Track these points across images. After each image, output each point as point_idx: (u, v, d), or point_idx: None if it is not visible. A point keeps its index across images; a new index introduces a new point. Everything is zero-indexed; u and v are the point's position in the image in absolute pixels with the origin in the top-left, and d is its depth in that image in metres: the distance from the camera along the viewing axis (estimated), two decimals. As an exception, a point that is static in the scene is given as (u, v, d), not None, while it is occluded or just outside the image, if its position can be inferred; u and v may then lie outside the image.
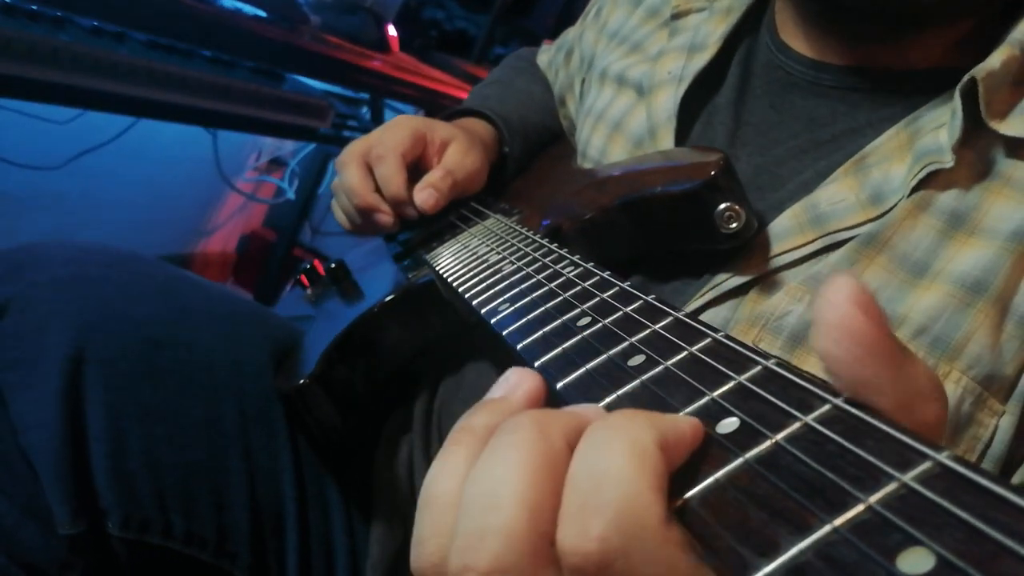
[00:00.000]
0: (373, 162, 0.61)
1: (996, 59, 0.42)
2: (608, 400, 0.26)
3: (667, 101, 0.56)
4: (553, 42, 0.86)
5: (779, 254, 0.46)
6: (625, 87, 0.61)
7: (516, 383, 0.26)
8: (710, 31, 0.57)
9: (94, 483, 0.47)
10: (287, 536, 0.55)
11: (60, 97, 0.95)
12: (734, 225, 0.45)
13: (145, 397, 0.50)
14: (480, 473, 0.21)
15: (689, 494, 0.20)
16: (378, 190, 0.61)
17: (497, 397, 0.26)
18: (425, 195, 0.59)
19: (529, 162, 0.73)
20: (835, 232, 0.45)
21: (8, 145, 1.33)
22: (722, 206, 0.44)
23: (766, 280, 0.46)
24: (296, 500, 0.55)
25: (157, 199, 1.67)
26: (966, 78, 0.42)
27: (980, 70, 0.42)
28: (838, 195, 0.45)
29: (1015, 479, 0.42)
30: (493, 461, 0.21)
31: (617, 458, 0.19)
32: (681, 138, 0.55)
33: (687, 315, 0.29)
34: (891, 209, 0.43)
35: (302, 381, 0.52)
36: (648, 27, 0.64)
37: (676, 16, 0.61)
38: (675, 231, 0.48)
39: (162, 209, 1.71)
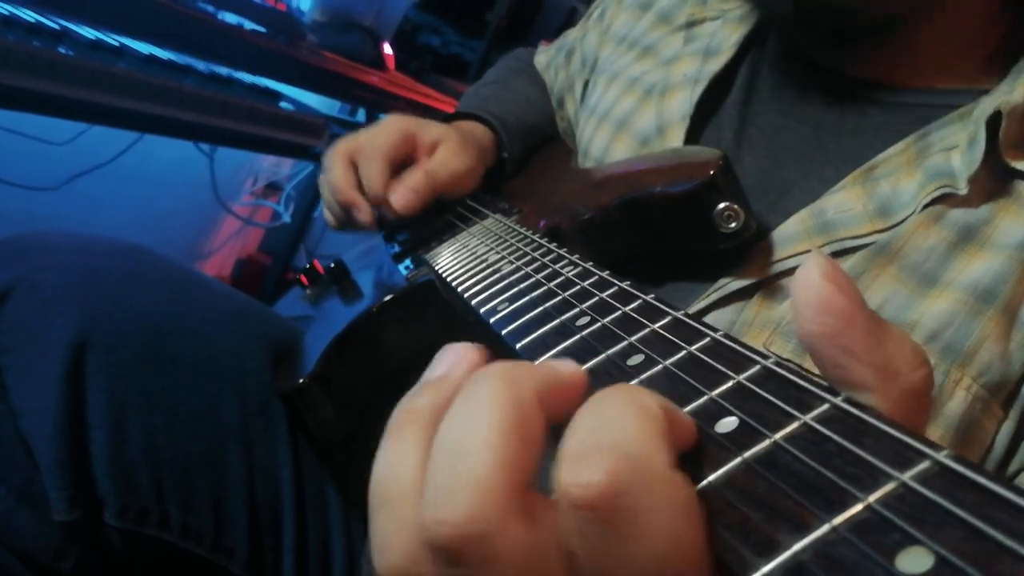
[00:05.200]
0: (359, 160, 0.61)
1: (1020, 93, 0.42)
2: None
3: (682, 103, 0.56)
4: (551, 43, 0.86)
5: (784, 258, 0.46)
6: (634, 89, 0.61)
7: (455, 360, 0.25)
8: (725, 36, 0.57)
9: (92, 471, 0.47)
10: (284, 533, 0.55)
11: (58, 109, 0.96)
12: (733, 225, 0.45)
13: (147, 386, 0.50)
14: (446, 431, 0.20)
15: (688, 493, 0.20)
16: (362, 187, 0.61)
17: (437, 376, 0.25)
18: (401, 196, 0.59)
19: (527, 162, 0.73)
20: (843, 239, 0.45)
21: (5, 165, 1.34)
22: (721, 206, 0.44)
23: (771, 285, 0.46)
24: (294, 497, 0.55)
25: (153, 222, 1.68)
26: (992, 110, 0.42)
27: (1006, 103, 0.42)
28: (846, 203, 0.45)
29: (1012, 467, 0.43)
30: (459, 417, 0.20)
31: (625, 409, 0.19)
32: (691, 139, 0.55)
33: (686, 314, 0.29)
34: (900, 223, 0.44)
35: (301, 381, 0.52)
36: (659, 32, 0.64)
37: (691, 24, 0.61)
38: (674, 230, 0.48)
39: (158, 232, 1.71)
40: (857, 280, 0.44)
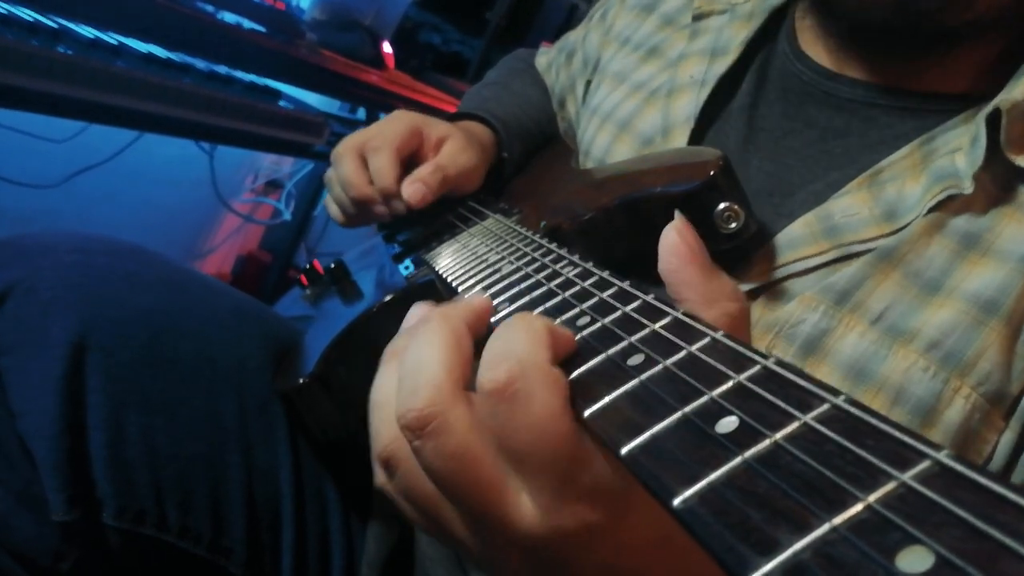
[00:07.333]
0: (368, 154, 0.61)
1: (1020, 90, 0.42)
2: (607, 399, 0.26)
3: (688, 105, 0.56)
4: (552, 44, 0.86)
5: (791, 262, 0.46)
6: (639, 91, 0.61)
7: (419, 312, 0.36)
8: (732, 35, 0.57)
9: (91, 472, 0.47)
10: (283, 533, 0.55)
11: (56, 108, 0.95)
12: (733, 225, 0.45)
13: (146, 387, 0.50)
14: (409, 352, 0.29)
15: (689, 492, 0.20)
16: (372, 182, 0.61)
17: (408, 325, 0.36)
18: (413, 189, 0.59)
19: (527, 163, 0.73)
20: (849, 244, 0.45)
21: (5, 163, 1.33)
22: (721, 206, 0.44)
23: (776, 287, 0.46)
24: (294, 497, 0.55)
25: (153, 220, 1.68)
26: (991, 108, 0.42)
27: (1005, 101, 0.42)
28: (852, 208, 0.45)
29: (1014, 478, 0.43)
30: (417, 343, 0.29)
31: (520, 331, 0.28)
32: (696, 140, 0.55)
33: (686, 314, 0.29)
34: (905, 227, 0.44)
35: (302, 380, 0.52)
36: (665, 32, 0.64)
37: (698, 17, 0.61)
38: (674, 231, 0.48)
39: (158, 230, 1.71)
40: (860, 286, 0.44)
